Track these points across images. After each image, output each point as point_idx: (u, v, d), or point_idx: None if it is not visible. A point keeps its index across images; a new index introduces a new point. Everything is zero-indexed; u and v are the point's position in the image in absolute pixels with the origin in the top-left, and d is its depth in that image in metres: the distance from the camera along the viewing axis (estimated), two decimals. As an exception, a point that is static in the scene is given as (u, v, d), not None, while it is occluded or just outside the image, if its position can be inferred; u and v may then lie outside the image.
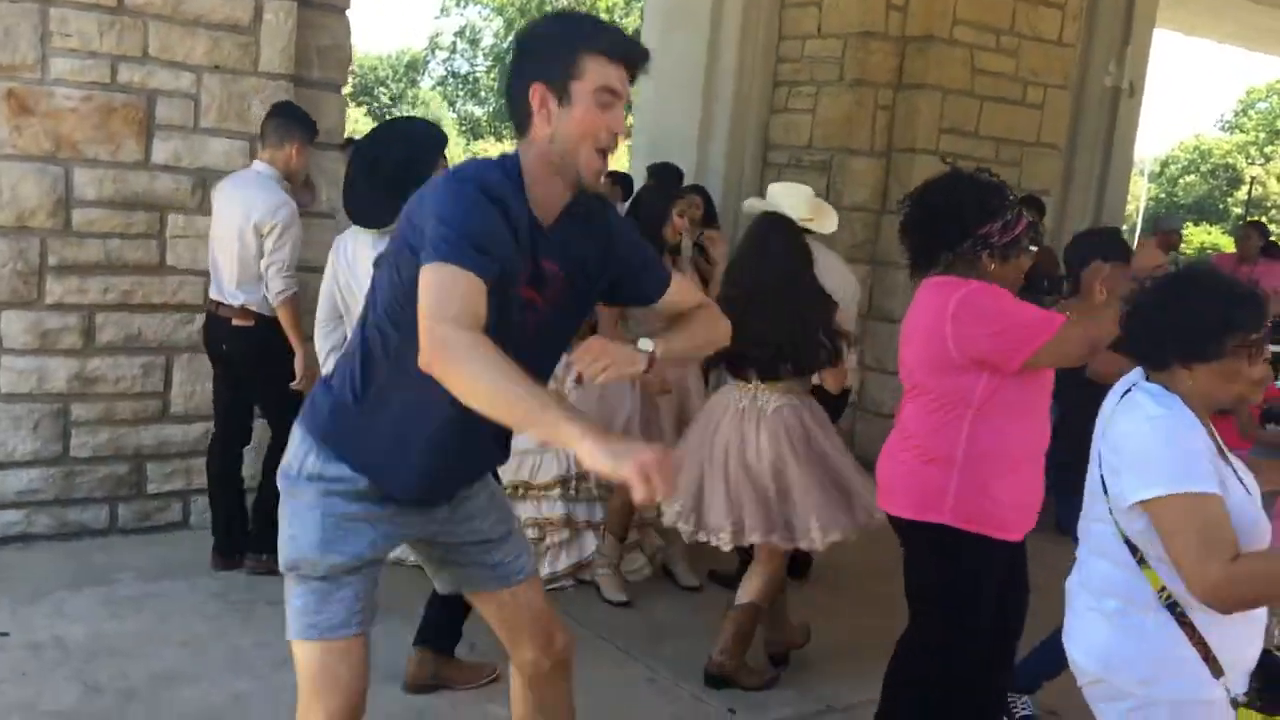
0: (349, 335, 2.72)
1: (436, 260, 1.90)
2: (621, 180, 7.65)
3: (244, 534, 4.48)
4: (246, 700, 3.44)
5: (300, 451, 2.20)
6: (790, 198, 4.25)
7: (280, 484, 2.24)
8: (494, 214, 1.98)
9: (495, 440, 2.27)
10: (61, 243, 4.47)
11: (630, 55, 2.04)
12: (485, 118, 44.18)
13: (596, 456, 1.72)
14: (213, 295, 4.41)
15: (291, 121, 4.35)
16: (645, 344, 2.15)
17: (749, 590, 3.81)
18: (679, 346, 2.28)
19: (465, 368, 1.84)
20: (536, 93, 2.01)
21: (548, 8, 42.83)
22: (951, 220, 2.85)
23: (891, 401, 6.70)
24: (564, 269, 2.13)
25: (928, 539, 2.93)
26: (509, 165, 2.07)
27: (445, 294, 1.88)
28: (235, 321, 4.31)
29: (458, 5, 44.97)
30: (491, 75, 44.94)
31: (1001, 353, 2.77)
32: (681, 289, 2.37)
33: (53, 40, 4.34)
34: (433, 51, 45.66)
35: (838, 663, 4.01)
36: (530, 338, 2.09)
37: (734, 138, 7.58)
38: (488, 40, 45.27)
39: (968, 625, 2.93)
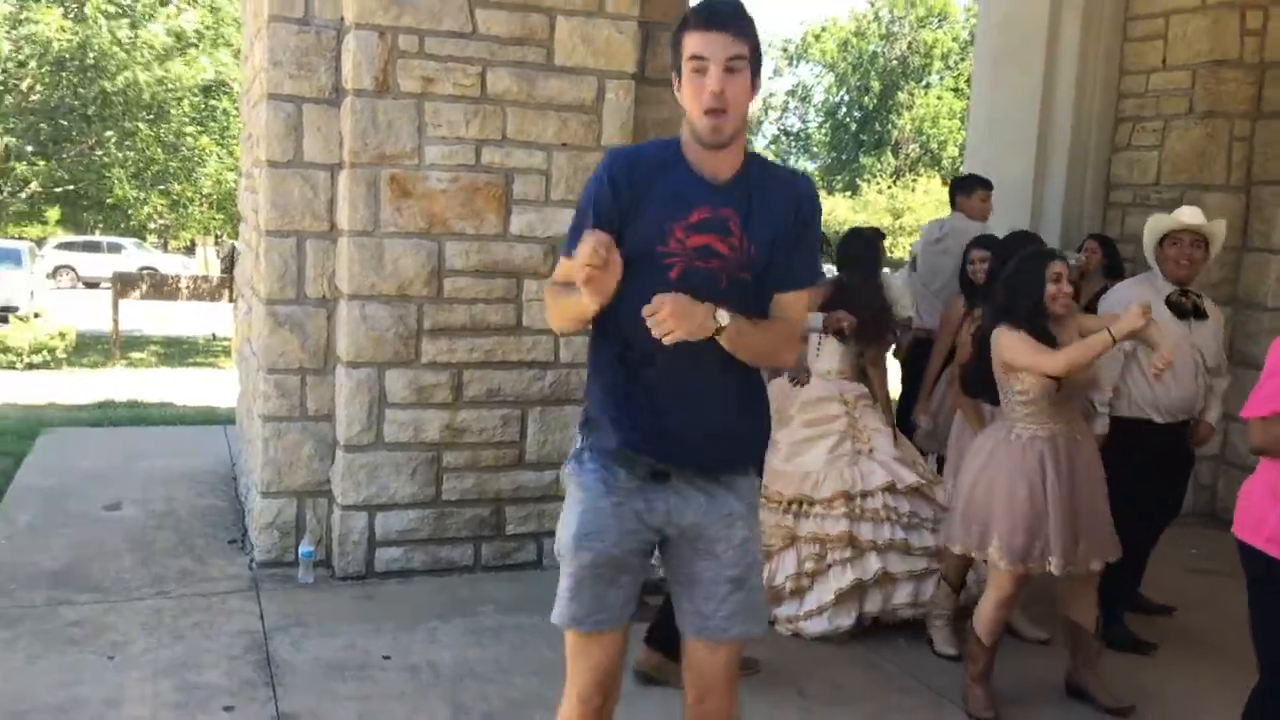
0: None
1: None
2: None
3: None
4: (592, 728, 3.69)
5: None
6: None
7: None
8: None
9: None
10: (435, 308, 5.02)
11: (705, 17, 2.26)
12: (818, 172, 44.57)
13: None
14: None
15: None
16: (723, 316, 2.25)
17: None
18: (750, 334, 2.31)
19: None
20: (675, 83, 2.35)
21: (879, 62, 42.81)
22: None
23: (1257, 453, 6.18)
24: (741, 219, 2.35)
25: (1248, 565, 2.87)
26: (668, 142, 2.44)
27: None
28: None
29: (790, 65, 45.84)
30: (823, 130, 45.35)
31: None
32: (792, 302, 2.44)
33: (427, 130, 4.92)
34: (766, 112, 46.73)
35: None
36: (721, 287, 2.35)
37: (1072, 177, 7.33)
38: (819, 97, 45.80)
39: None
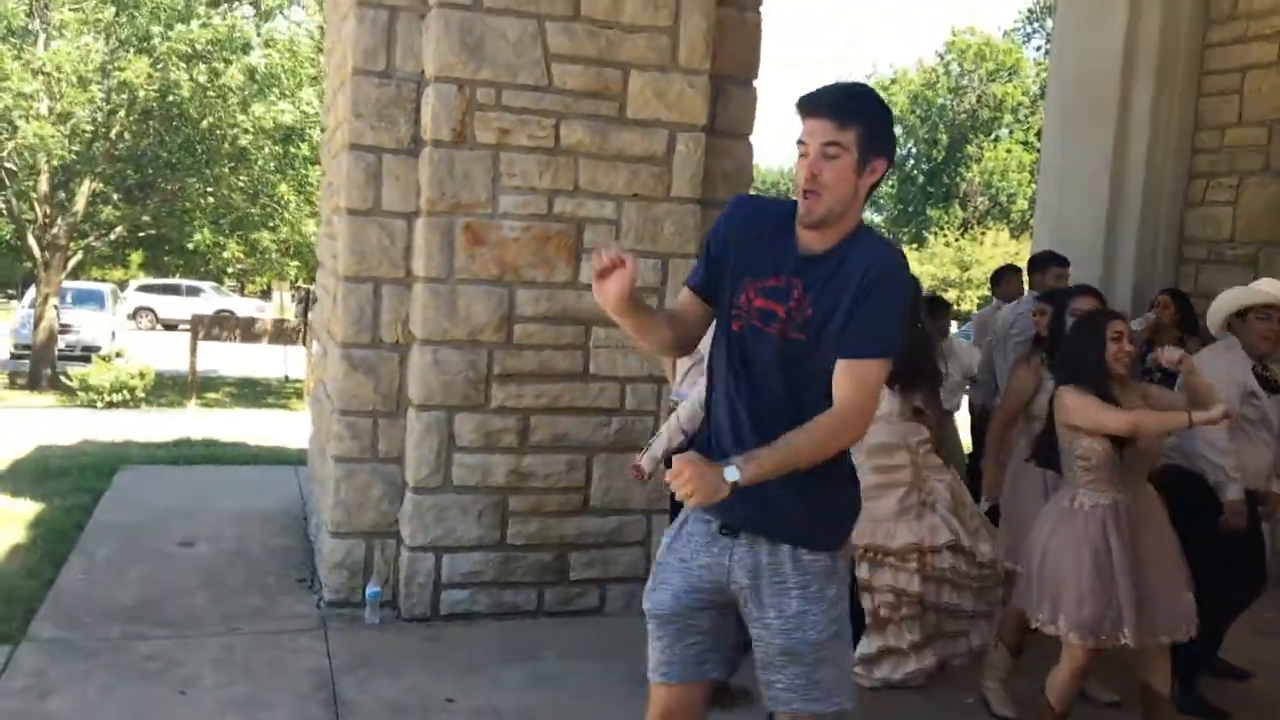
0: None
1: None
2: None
3: None
4: (652, 777, 3.68)
5: None
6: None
7: None
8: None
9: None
10: (504, 354, 5.10)
11: (805, 104, 2.37)
12: (884, 223, 44.42)
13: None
14: None
15: None
16: (731, 473, 2.20)
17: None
18: (771, 465, 2.24)
19: None
20: None
21: (948, 115, 42.71)
22: None
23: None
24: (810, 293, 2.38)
25: None
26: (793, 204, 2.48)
27: None
28: None
29: (857, 117, 45.84)
30: (890, 182, 45.20)
31: None
32: (842, 375, 2.32)
33: (501, 180, 5.03)
34: (833, 163, 46.54)
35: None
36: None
37: (1144, 232, 7.25)
38: (887, 148, 45.73)
39: None
